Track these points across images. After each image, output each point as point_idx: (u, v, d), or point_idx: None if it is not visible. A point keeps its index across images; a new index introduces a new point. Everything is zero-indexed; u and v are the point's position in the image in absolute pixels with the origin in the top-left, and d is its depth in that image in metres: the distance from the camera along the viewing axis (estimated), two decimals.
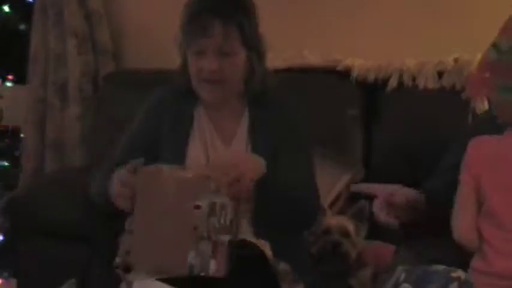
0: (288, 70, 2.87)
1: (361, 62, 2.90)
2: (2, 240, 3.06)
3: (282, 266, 2.03)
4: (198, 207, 1.90)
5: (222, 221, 1.89)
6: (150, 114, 2.21)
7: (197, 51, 2.09)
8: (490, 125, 2.16)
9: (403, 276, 1.83)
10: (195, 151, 2.16)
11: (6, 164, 3.23)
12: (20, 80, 3.25)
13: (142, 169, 1.97)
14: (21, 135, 3.22)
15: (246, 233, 2.03)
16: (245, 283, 1.90)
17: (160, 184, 1.94)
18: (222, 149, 2.15)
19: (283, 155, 2.14)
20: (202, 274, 1.89)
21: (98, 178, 2.17)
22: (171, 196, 1.93)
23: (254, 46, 2.14)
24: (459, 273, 1.78)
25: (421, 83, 2.80)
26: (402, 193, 2.08)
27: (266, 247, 1.99)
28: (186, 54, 2.13)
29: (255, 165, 1.99)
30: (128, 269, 1.99)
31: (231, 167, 1.91)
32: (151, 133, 2.15)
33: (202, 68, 2.09)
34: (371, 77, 2.86)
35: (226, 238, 1.89)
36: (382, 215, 2.08)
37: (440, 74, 2.79)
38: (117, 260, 2.02)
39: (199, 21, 2.07)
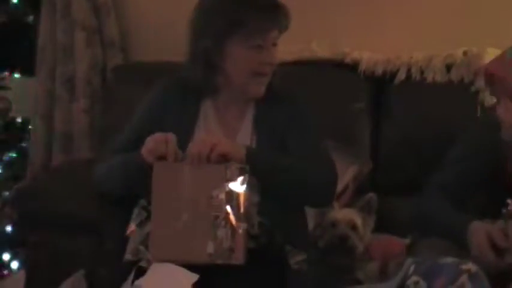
0: (296, 63, 2.87)
1: (369, 55, 2.89)
2: (11, 232, 3.08)
3: (289, 248, 2.05)
4: (215, 196, 1.92)
5: (238, 209, 1.91)
6: (156, 103, 2.21)
7: (259, 44, 2.08)
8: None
9: (412, 268, 1.83)
10: None
11: (14, 155, 3.23)
12: (28, 72, 3.25)
13: (158, 162, 1.98)
14: (29, 127, 3.22)
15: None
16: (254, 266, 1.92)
17: (176, 175, 1.96)
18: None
19: (290, 142, 2.14)
20: (222, 262, 1.90)
21: (108, 157, 2.18)
22: (188, 186, 1.94)
23: None
24: (469, 265, 1.78)
25: (429, 76, 2.79)
26: None
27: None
28: (226, 51, 2.09)
29: (226, 142, 2.01)
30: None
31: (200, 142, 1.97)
32: (156, 123, 2.15)
33: (262, 61, 2.09)
34: (379, 70, 2.86)
35: (243, 226, 1.91)
36: None
37: (448, 67, 2.79)
38: (127, 256, 2.03)
39: (272, 15, 2.07)
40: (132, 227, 2.07)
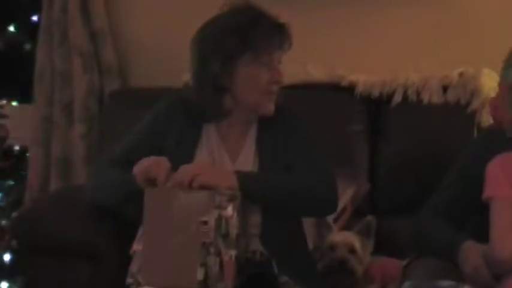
0: (292, 86, 2.86)
1: (365, 77, 2.89)
2: (9, 260, 3.07)
3: (284, 279, 2.05)
4: (205, 222, 1.92)
5: (228, 235, 1.91)
6: (159, 119, 2.22)
7: (266, 63, 2.12)
8: (496, 138, 2.16)
9: None
10: None
11: (12, 183, 3.23)
12: (25, 99, 3.26)
13: (149, 189, 1.99)
14: (27, 154, 3.22)
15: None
16: None
17: (168, 201, 1.96)
18: (228, 164, 2.15)
19: (290, 157, 2.15)
20: None
21: (105, 167, 2.20)
22: (178, 212, 1.94)
23: None
24: None
25: (425, 97, 2.80)
26: None
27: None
28: (235, 72, 2.11)
29: (211, 172, 2.02)
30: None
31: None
32: (157, 138, 2.18)
33: (271, 79, 2.13)
34: (375, 92, 2.86)
35: (233, 253, 1.90)
36: None
37: (445, 89, 2.79)
38: (128, 280, 2.02)
39: (279, 34, 2.13)
40: (135, 247, 2.08)
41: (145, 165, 2.03)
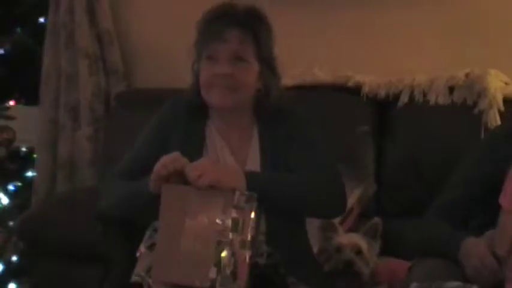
0: (298, 87, 2.87)
1: (371, 78, 2.89)
2: (16, 261, 3.07)
3: (291, 280, 2.05)
4: (221, 222, 1.92)
5: (243, 236, 1.91)
6: (165, 120, 2.22)
7: (210, 56, 2.10)
8: (503, 139, 2.16)
9: None
10: None
11: (19, 184, 3.24)
12: (32, 101, 3.27)
13: (167, 185, 1.99)
14: (34, 155, 3.23)
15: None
16: None
17: (184, 198, 1.97)
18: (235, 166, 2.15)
19: (292, 156, 2.14)
20: None
21: (117, 178, 2.20)
22: (195, 210, 1.95)
23: (268, 62, 2.15)
24: None
25: (432, 98, 2.80)
26: None
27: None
28: (200, 66, 2.13)
29: (215, 171, 2.00)
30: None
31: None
32: (164, 139, 2.17)
33: (214, 72, 2.09)
34: (382, 93, 2.86)
35: (248, 253, 1.90)
36: None
37: (451, 89, 2.79)
38: (134, 278, 2.02)
39: (217, 26, 2.09)
40: (142, 249, 2.08)
41: (162, 165, 2.01)
